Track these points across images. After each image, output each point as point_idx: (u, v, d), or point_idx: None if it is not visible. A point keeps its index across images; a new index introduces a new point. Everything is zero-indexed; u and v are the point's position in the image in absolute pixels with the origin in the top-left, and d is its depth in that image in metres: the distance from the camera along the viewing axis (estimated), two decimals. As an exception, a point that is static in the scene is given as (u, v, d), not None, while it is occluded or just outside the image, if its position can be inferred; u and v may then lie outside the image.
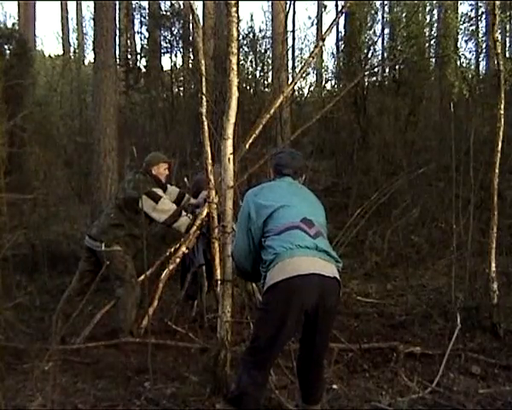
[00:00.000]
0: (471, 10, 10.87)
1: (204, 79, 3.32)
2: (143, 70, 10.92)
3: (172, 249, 4.40)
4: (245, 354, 2.61)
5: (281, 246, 2.49)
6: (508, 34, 12.51)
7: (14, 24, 14.40)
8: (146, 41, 11.56)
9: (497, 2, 4.31)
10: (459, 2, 11.44)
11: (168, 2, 11.67)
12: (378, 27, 10.86)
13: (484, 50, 11.13)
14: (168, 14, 10.82)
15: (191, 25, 9.92)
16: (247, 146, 3.90)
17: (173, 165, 4.72)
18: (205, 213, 4.10)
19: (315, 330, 2.55)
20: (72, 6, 27.57)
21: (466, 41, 10.27)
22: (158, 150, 7.38)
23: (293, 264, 2.45)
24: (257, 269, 2.64)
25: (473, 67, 11.24)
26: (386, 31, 11.12)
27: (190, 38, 10.63)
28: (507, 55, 11.27)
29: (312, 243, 2.52)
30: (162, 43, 11.26)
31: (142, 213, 3.98)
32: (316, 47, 4.25)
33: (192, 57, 11.08)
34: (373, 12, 10.31)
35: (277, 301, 2.47)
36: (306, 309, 2.47)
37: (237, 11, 3.10)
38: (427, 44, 10.74)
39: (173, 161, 4.96)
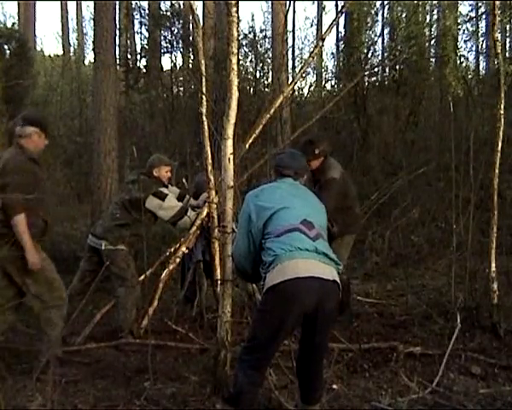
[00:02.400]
0: (471, 10, 10.88)
1: (204, 79, 3.32)
2: (143, 70, 10.92)
3: (172, 249, 4.41)
4: (241, 354, 2.61)
5: (280, 248, 2.49)
6: (508, 34, 12.52)
7: (14, 24, 14.43)
8: (146, 41, 11.58)
9: (497, 2, 4.31)
10: (459, 2, 11.44)
11: (168, 2, 11.69)
12: (378, 27, 10.90)
13: (484, 50, 11.15)
14: (168, 14, 10.83)
15: (191, 25, 9.92)
16: (247, 146, 3.89)
17: (174, 167, 4.70)
18: (205, 213, 4.11)
19: (314, 331, 2.55)
20: (72, 6, 27.65)
21: (466, 41, 10.28)
22: (158, 150, 7.39)
23: (293, 266, 2.44)
24: (257, 270, 2.63)
25: (473, 67, 11.26)
26: (386, 31, 11.16)
27: (190, 38, 10.64)
28: (507, 55, 11.27)
29: (312, 245, 2.52)
30: (162, 43, 11.28)
31: (148, 214, 3.99)
32: (316, 47, 4.26)
33: (192, 57, 11.08)
34: (373, 12, 10.34)
35: (276, 303, 2.47)
36: (305, 312, 2.47)
37: (237, 11, 3.09)
38: (427, 44, 10.75)
39: (174, 164, 4.95)
